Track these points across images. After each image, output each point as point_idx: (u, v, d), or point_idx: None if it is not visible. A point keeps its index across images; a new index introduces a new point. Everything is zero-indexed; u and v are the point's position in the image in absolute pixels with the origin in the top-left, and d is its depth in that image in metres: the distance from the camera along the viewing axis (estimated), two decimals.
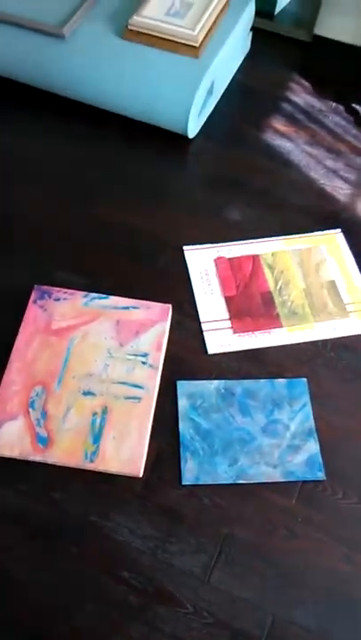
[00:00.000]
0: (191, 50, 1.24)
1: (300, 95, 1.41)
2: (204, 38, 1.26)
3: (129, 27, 1.26)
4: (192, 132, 1.30)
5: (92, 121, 1.35)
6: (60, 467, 0.92)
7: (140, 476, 0.91)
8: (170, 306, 1.06)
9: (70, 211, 1.21)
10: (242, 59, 1.47)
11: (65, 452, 0.92)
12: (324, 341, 1.05)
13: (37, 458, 0.91)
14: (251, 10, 1.38)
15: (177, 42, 1.25)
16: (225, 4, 1.31)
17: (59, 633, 0.81)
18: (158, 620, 0.82)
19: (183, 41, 1.24)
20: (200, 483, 0.91)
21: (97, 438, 0.93)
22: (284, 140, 1.34)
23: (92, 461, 0.91)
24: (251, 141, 1.33)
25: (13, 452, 0.92)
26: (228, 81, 1.42)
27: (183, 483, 0.91)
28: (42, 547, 0.87)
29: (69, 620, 0.82)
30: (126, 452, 0.92)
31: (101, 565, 0.85)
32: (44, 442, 0.92)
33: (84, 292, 1.07)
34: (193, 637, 0.81)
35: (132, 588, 0.84)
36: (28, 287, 1.08)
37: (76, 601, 0.83)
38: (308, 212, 1.22)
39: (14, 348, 1.01)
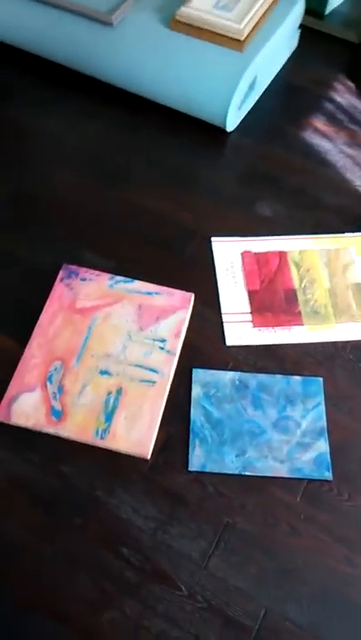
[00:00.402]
0: (236, 43, 1.25)
1: (344, 96, 1.40)
2: (250, 32, 1.26)
3: (176, 17, 1.28)
4: (231, 125, 1.30)
5: (131, 108, 1.36)
6: (71, 441, 0.94)
7: (148, 457, 0.93)
8: (192, 294, 1.07)
9: (102, 195, 1.23)
10: (288, 56, 1.46)
11: (77, 426, 0.94)
12: (344, 343, 1.05)
13: (50, 430, 0.94)
14: (300, 7, 1.37)
15: (223, 35, 1.25)
16: (274, 0, 1.31)
17: (53, 602, 0.83)
18: (152, 599, 0.83)
19: (229, 34, 1.25)
20: (206, 470, 0.92)
21: (109, 417, 0.95)
22: (324, 139, 1.33)
23: (102, 438, 0.93)
24: (289, 139, 1.33)
25: (28, 423, 0.94)
26: (272, 77, 1.42)
27: (189, 468, 0.92)
28: (45, 516, 0.89)
29: (65, 590, 0.84)
30: (136, 433, 0.93)
31: (102, 540, 0.87)
32: (58, 415, 0.95)
33: (110, 275, 1.09)
34: (185, 619, 0.82)
35: (130, 564, 0.85)
36: (56, 266, 1.11)
37: (74, 572, 0.85)
38: (340, 212, 1.21)
39: (38, 323, 1.03)
